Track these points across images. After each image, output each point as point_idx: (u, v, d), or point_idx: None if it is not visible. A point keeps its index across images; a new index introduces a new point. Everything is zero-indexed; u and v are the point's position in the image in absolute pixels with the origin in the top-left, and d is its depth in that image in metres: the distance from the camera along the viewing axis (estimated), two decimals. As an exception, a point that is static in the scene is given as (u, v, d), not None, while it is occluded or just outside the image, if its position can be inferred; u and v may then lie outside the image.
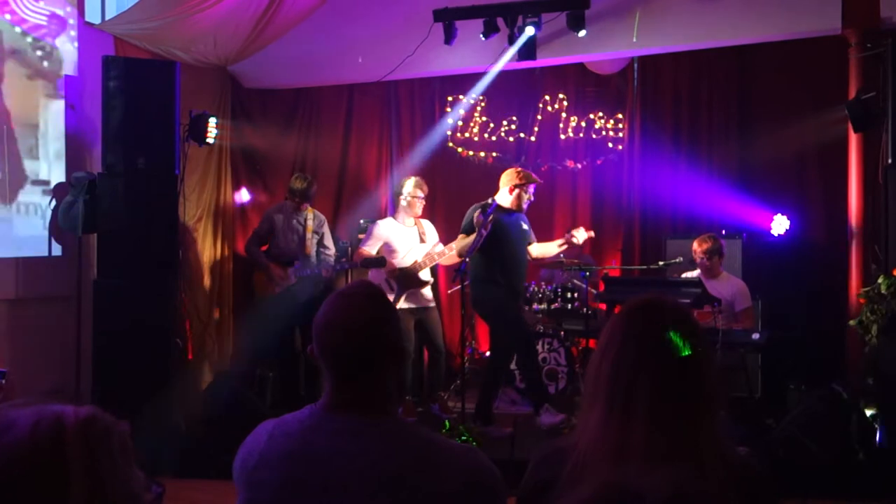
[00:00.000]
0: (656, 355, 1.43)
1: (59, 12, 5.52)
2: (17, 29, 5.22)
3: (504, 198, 5.44)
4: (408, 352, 1.51)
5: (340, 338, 1.59)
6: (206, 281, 6.58)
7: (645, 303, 1.54)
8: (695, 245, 5.61)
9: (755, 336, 5.14)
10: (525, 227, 5.55)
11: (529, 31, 5.80)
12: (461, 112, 7.28)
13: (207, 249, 6.64)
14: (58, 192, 5.43)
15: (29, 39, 5.30)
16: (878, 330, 4.71)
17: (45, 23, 5.41)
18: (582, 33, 5.73)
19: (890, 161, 4.85)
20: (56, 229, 5.40)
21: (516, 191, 5.41)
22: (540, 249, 5.71)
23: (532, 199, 5.55)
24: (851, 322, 5.14)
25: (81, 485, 0.92)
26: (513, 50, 5.97)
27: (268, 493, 1.59)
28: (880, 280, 4.73)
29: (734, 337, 5.17)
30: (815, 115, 6.04)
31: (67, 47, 5.59)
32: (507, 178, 5.47)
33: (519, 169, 5.59)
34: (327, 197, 7.13)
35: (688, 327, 1.47)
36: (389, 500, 1.51)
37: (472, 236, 5.26)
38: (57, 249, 5.48)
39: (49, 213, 5.42)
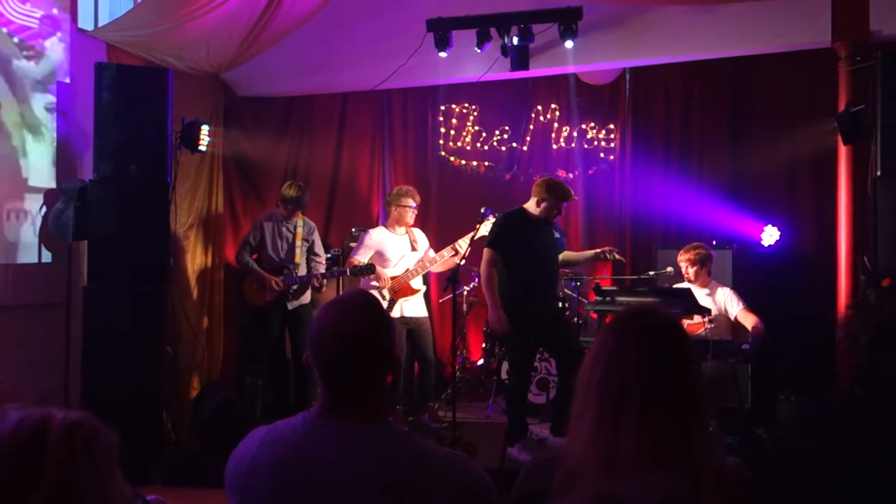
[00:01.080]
0: (646, 364, 1.45)
1: (52, 16, 5.50)
2: (4, 30, 5.19)
3: (532, 207, 5.21)
4: (400, 360, 1.51)
5: (334, 345, 1.59)
6: (197, 289, 6.56)
7: (635, 313, 1.56)
8: (680, 254, 5.64)
9: (745, 346, 5.17)
10: (556, 235, 5.32)
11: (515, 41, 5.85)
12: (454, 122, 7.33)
13: (198, 257, 6.62)
14: (48, 198, 5.41)
15: (16, 40, 5.26)
16: (866, 340, 4.74)
17: (36, 27, 5.39)
18: (568, 44, 5.76)
19: (879, 173, 4.89)
20: (46, 236, 5.38)
21: (544, 204, 5.15)
22: (566, 256, 5.57)
23: (561, 213, 5.31)
24: (840, 332, 5.17)
25: (53, 482, 0.96)
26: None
27: (259, 498, 1.59)
28: (869, 291, 4.76)
29: (724, 347, 5.20)
30: (806, 126, 6.11)
31: (59, 54, 5.58)
32: (537, 190, 5.19)
33: (551, 183, 5.25)
34: (319, 205, 7.14)
35: (677, 337, 1.48)
36: (382, 509, 1.51)
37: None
38: (47, 256, 5.46)
39: (39, 220, 5.39)
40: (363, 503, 1.53)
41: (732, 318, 5.56)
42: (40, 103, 5.44)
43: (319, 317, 1.63)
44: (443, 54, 6.00)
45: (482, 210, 5.34)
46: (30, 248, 5.37)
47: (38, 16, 5.38)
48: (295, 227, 6.13)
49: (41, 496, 0.96)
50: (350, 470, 1.54)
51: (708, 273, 5.64)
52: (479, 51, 5.97)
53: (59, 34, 5.55)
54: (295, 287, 6.05)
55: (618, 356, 1.48)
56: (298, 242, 6.10)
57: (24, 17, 5.30)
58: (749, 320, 5.46)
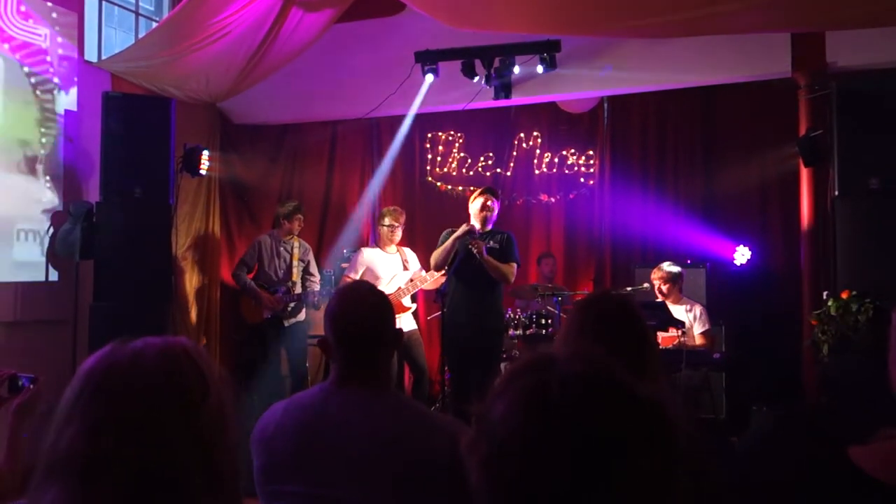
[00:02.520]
0: (605, 336, 1.75)
1: (60, 51, 5.81)
2: (15, 58, 5.49)
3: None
4: (402, 335, 1.75)
5: (356, 318, 1.90)
6: (194, 309, 6.81)
7: (595, 297, 1.87)
8: (653, 273, 5.95)
9: (716, 356, 5.48)
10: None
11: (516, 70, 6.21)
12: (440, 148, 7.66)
13: (195, 278, 6.88)
14: (55, 220, 5.67)
15: (26, 70, 5.56)
16: (828, 349, 5.04)
17: (47, 60, 5.69)
18: (539, 69, 6.11)
19: (837, 193, 5.22)
20: (53, 255, 5.63)
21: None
22: None
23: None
24: (805, 343, 5.49)
25: (216, 388, 1.18)
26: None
27: (284, 456, 1.87)
28: (830, 303, 5.07)
29: (697, 357, 5.50)
30: (771, 151, 6.46)
31: (66, 83, 5.87)
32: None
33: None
34: (311, 227, 7.42)
35: (629, 313, 1.80)
36: (390, 459, 1.80)
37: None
38: (54, 275, 5.70)
39: (47, 240, 5.65)
40: (370, 455, 1.81)
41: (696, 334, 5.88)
42: (49, 130, 5.72)
43: (338, 299, 1.95)
44: (429, 76, 6.29)
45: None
46: (37, 267, 5.62)
47: (50, 52, 5.67)
48: (292, 248, 6.41)
49: (213, 406, 1.15)
50: (361, 428, 1.83)
51: (679, 290, 5.95)
52: (471, 79, 6.28)
53: (66, 64, 5.86)
54: (293, 305, 6.32)
55: (584, 329, 1.79)
56: (295, 262, 6.38)
57: (39, 55, 5.59)
58: (699, 342, 5.77)
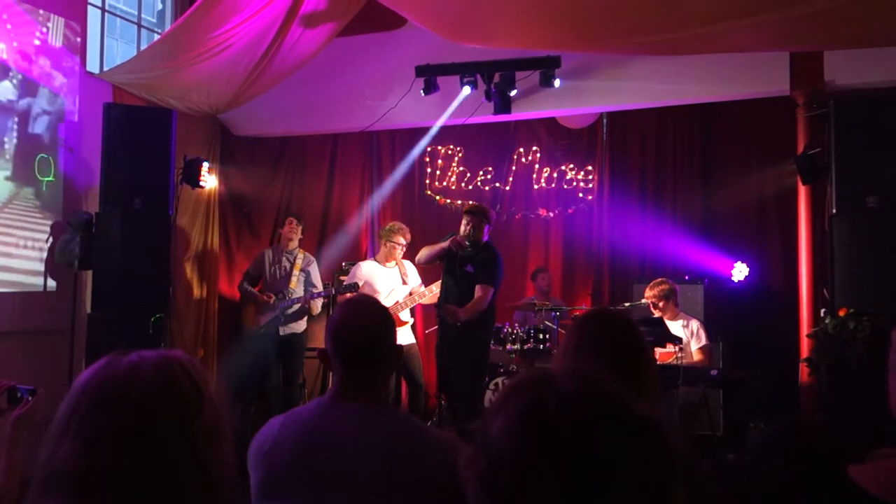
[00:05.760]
0: (605, 351, 1.76)
1: (62, 62, 5.83)
2: (14, 67, 5.50)
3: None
4: (402, 351, 1.76)
5: (357, 332, 1.91)
6: (192, 320, 6.81)
7: (594, 312, 1.88)
8: (646, 290, 5.94)
9: (713, 372, 5.47)
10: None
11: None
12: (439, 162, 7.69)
13: (194, 289, 6.88)
14: (55, 230, 5.67)
15: (26, 79, 5.58)
16: (825, 367, 5.04)
17: (48, 70, 5.71)
18: (557, 83, 6.16)
19: (834, 210, 5.23)
20: (52, 265, 5.63)
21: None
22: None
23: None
24: (803, 360, 5.49)
25: (211, 406, 1.18)
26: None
27: (281, 470, 1.87)
28: (828, 321, 5.08)
29: (694, 374, 5.49)
30: (770, 168, 6.48)
31: (67, 94, 5.88)
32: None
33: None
34: (310, 240, 7.42)
35: (628, 328, 1.80)
36: (387, 475, 1.80)
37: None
38: (52, 284, 5.70)
39: (46, 249, 5.65)
40: (367, 471, 1.82)
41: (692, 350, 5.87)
42: (51, 140, 5.74)
43: (340, 312, 1.96)
44: (429, 98, 6.31)
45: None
46: (36, 277, 5.62)
47: (53, 63, 5.68)
48: (294, 258, 6.43)
49: (208, 419, 1.16)
50: (360, 443, 1.83)
51: (675, 305, 5.94)
52: (466, 93, 6.32)
53: (67, 75, 5.87)
54: (288, 311, 6.30)
55: (582, 346, 1.79)
56: (296, 272, 6.38)
57: (28, 43, 5.60)
58: (696, 357, 5.76)
